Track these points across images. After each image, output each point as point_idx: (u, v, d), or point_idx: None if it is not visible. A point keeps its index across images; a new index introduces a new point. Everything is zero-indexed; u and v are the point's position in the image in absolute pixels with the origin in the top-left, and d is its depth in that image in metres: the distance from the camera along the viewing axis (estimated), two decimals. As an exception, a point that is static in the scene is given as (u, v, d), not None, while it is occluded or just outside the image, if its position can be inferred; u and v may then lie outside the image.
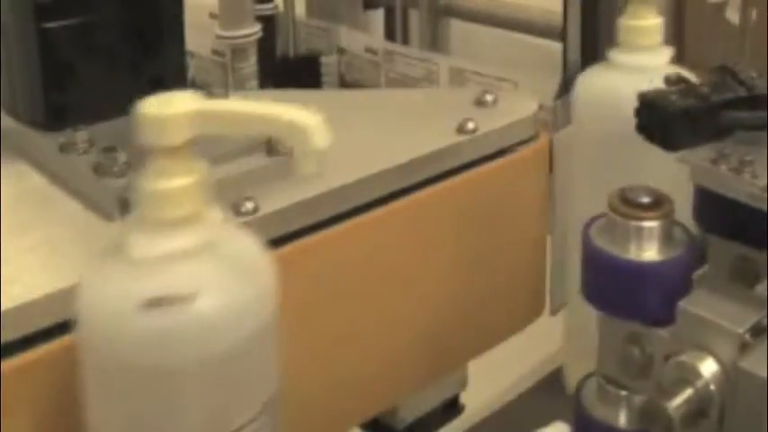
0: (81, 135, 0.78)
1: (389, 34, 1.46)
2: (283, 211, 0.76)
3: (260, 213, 0.74)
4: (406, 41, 1.39)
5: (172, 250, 0.58)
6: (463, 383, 1.28)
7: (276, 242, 0.76)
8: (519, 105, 0.91)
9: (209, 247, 0.59)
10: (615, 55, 0.93)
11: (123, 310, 0.57)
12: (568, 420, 0.83)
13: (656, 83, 0.74)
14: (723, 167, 0.67)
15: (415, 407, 1.22)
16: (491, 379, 0.97)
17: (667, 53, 0.92)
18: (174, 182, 0.58)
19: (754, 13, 1.57)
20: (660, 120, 0.70)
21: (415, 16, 1.40)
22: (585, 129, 0.95)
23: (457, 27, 1.39)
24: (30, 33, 0.81)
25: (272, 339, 0.62)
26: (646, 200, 0.71)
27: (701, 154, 0.69)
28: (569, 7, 1.14)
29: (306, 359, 0.80)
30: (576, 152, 0.95)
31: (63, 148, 0.78)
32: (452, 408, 1.28)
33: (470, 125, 0.88)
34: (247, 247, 0.63)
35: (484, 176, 0.88)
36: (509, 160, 0.90)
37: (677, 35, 2.72)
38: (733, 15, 1.60)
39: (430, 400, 1.24)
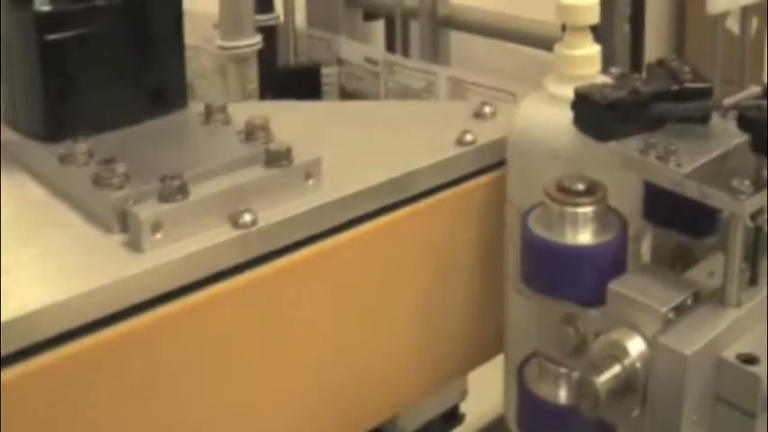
0: (80, 147, 0.78)
1: (390, 45, 1.46)
2: (282, 223, 0.76)
3: (258, 225, 0.74)
4: (406, 52, 1.39)
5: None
6: (463, 393, 1.28)
7: (275, 254, 0.76)
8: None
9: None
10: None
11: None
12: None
13: None
14: (650, 156, 0.70)
15: (415, 417, 1.22)
16: (490, 389, 0.97)
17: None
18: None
19: (754, 24, 1.57)
20: (592, 111, 0.73)
21: (415, 27, 1.40)
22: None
23: (456, 38, 1.39)
24: (31, 45, 0.81)
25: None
26: (580, 187, 0.74)
27: (631, 144, 0.71)
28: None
29: (307, 369, 0.80)
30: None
31: (63, 160, 0.79)
32: (452, 417, 1.29)
33: (469, 137, 0.88)
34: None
35: (483, 187, 0.88)
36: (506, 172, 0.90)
37: (678, 45, 2.73)
38: (734, 26, 1.60)
39: (430, 409, 1.25)
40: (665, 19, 2.62)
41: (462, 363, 0.95)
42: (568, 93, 0.81)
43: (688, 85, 0.74)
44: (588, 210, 0.73)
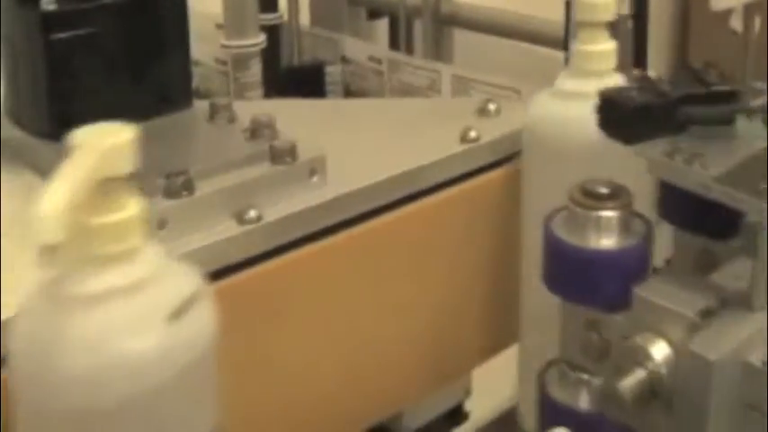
0: (86, 144, 0.79)
1: (393, 43, 1.46)
2: (287, 220, 0.76)
3: (264, 221, 0.75)
4: (409, 51, 1.39)
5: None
6: (467, 391, 1.28)
7: (279, 250, 0.76)
8: (521, 114, 0.92)
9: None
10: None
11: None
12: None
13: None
14: (676, 159, 0.69)
15: (419, 414, 1.22)
16: (495, 386, 0.97)
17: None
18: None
19: (757, 21, 1.57)
20: (619, 115, 0.72)
21: (418, 26, 1.40)
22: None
23: (460, 36, 1.39)
24: (37, 44, 0.81)
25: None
26: (604, 191, 0.73)
27: (658, 148, 0.71)
28: (571, 16, 1.15)
29: (313, 365, 0.80)
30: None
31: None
32: (457, 415, 1.29)
33: (473, 134, 0.88)
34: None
35: (487, 184, 0.88)
36: (511, 169, 0.90)
37: (682, 43, 2.73)
38: (737, 23, 1.60)
39: (434, 407, 1.25)
40: (668, 16, 2.62)
41: (467, 359, 0.95)
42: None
43: (714, 87, 0.73)
44: (612, 214, 0.72)
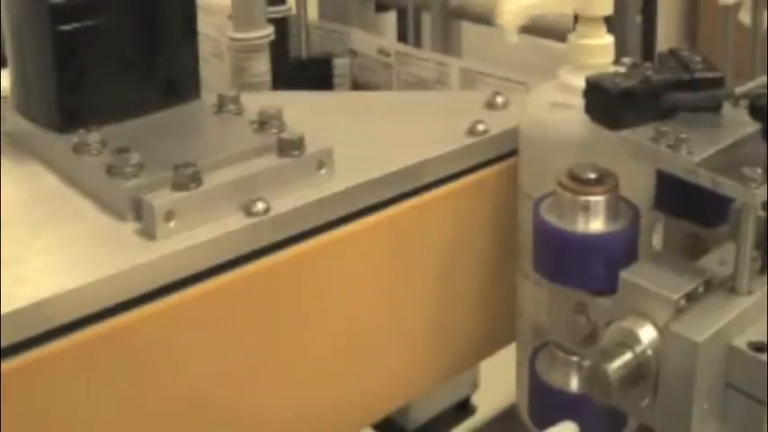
0: (94, 136, 0.79)
1: (401, 36, 1.46)
2: (295, 212, 0.76)
3: (271, 214, 0.75)
4: (418, 43, 1.39)
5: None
6: (474, 385, 1.28)
7: (287, 242, 0.76)
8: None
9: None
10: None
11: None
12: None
13: None
14: (662, 145, 0.70)
15: (426, 408, 1.23)
16: (502, 380, 0.97)
17: None
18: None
19: (765, 16, 1.57)
20: (604, 100, 0.74)
21: (426, 18, 1.40)
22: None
23: (468, 29, 1.39)
24: (44, 35, 0.81)
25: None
26: (592, 175, 0.75)
27: (643, 133, 0.72)
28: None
29: (318, 357, 0.81)
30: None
31: (76, 149, 0.79)
32: (464, 408, 1.29)
33: (481, 127, 0.88)
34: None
35: (494, 177, 0.88)
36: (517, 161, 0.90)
37: (691, 36, 2.72)
38: (746, 17, 1.60)
39: (441, 401, 1.25)
40: (677, 10, 2.61)
41: (474, 352, 0.95)
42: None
43: (699, 74, 0.74)
44: (600, 198, 0.74)
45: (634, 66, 0.76)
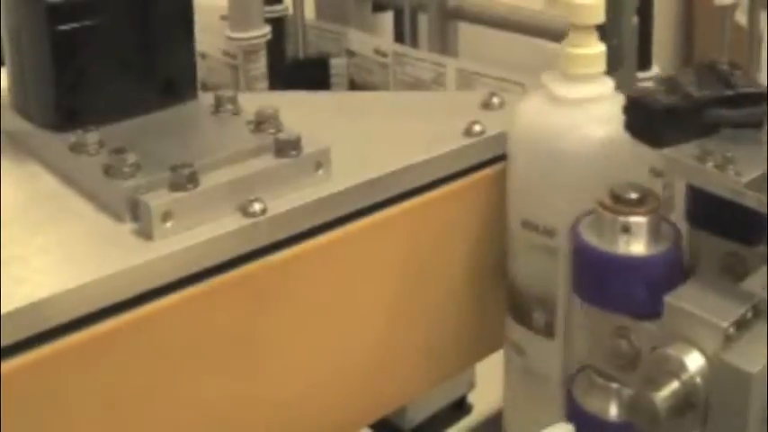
0: (91, 136, 0.79)
1: (398, 37, 1.46)
2: (292, 212, 0.76)
3: (268, 214, 0.75)
4: (414, 44, 1.39)
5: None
6: (471, 384, 1.29)
7: (284, 243, 0.76)
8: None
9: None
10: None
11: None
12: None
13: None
14: (708, 164, 0.69)
15: (423, 407, 1.23)
16: (498, 379, 0.97)
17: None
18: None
19: (762, 17, 1.57)
20: (646, 118, 0.72)
21: (423, 19, 1.40)
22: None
23: (465, 30, 1.39)
24: (42, 35, 0.81)
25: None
26: (633, 196, 0.73)
27: (687, 151, 0.70)
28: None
29: (315, 357, 0.81)
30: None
31: (74, 149, 0.79)
32: (460, 408, 1.29)
33: (477, 128, 0.88)
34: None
35: (490, 178, 0.88)
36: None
37: (687, 38, 2.72)
38: (743, 18, 1.60)
39: (438, 400, 1.25)
40: (673, 11, 2.61)
41: (467, 355, 0.95)
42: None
43: (741, 89, 0.72)
44: (641, 219, 0.72)
45: (670, 80, 0.74)
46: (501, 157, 0.88)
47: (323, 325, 0.81)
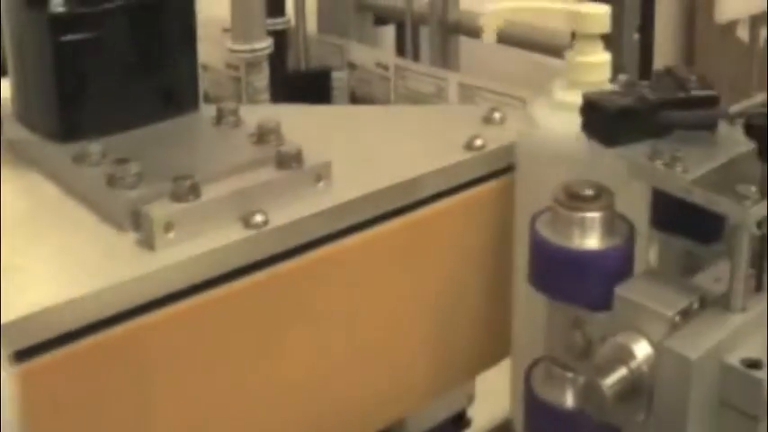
0: (94, 147, 0.79)
1: (400, 50, 1.47)
2: (293, 224, 0.77)
3: (270, 226, 0.75)
4: (416, 57, 1.40)
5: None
6: (470, 398, 1.28)
7: (285, 255, 0.77)
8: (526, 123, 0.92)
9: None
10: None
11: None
12: None
13: None
14: (657, 162, 0.71)
15: (423, 421, 1.22)
16: (497, 393, 0.97)
17: None
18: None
19: (763, 32, 1.58)
20: (601, 117, 0.74)
21: (425, 33, 1.40)
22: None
23: (466, 44, 1.40)
24: (45, 46, 0.82)
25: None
26: (588, 192, 0.75)
27: (638, 150, 0.73)
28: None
29: (316, 370, 0.81)
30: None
31: (76, 160, 0.79)
32: (460, 421, 1.29)
33: (478, 142, 0.89)
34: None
35: (491, 192, 0.89)
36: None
37: (688, 54, 2.73)
38: (744, 34, 1.60)
39: (437, 413, 1.25)
40: (674, 27, 2.62)
41: (470, 366, 0.95)
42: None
43: (695, 92, 0.75)
44: (596, 215, 0.74)
45: (630, 84, 0.77)
46: (503, 171, 0.89)
47: (324, 335, 0.81)
